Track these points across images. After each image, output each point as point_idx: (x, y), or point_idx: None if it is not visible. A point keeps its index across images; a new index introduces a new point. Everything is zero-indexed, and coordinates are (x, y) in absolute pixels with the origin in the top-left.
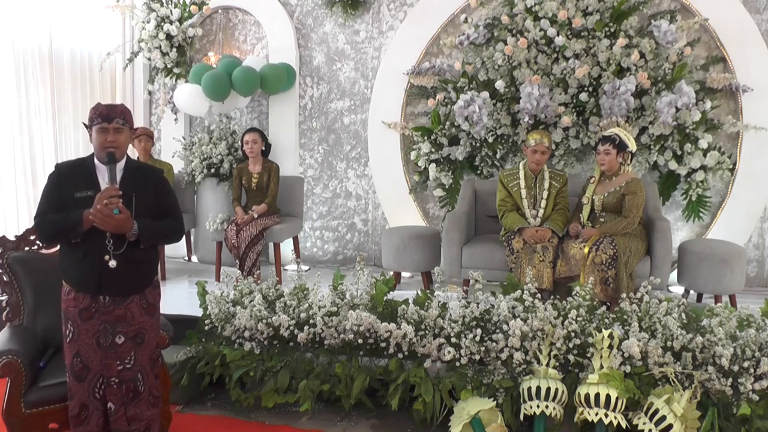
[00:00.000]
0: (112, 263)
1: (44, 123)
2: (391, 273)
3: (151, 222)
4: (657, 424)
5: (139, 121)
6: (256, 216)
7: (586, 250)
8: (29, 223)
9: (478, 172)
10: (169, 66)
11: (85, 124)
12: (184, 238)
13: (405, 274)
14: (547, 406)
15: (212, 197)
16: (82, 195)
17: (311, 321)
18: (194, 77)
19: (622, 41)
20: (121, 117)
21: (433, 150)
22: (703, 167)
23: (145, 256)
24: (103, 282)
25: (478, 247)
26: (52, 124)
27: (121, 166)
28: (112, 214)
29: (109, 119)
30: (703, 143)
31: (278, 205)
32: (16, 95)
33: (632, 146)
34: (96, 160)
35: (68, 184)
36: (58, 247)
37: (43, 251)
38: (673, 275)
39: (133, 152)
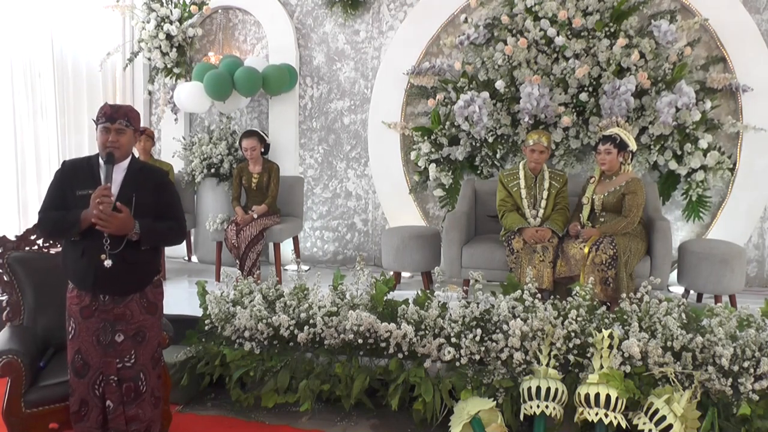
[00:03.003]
0: (108, 262)
1: (48, 123)
2: (391, 273)
3: (152, 223)
4: (657, 424)
5: None
6: (255, 216)
7: (586, 250)
8: (33, 222)
9: (478, 172)
10: (169, 66)
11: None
12: None
13: (405, 274)
14: (547, 406)
15: (212, 197)
16: (83, 193)
17: (311, 321)
18: (197, 76)
19: (622, 41)
20: (124, 118)
21: (433, 150)
22: (703, 167)
23: (142, 257)
24: (98, 280)
25: (478, 247)
26: (55, 125)
27: (124, 166)
28: (113, 215)
29: (112, 120)
30: (703, 143)
31: (278, 205)
32: (24, 97)
33: (632, 146)
34: (100, 159)
35: (71, 181)
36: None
37: (44, 251)
38: (673, 275)
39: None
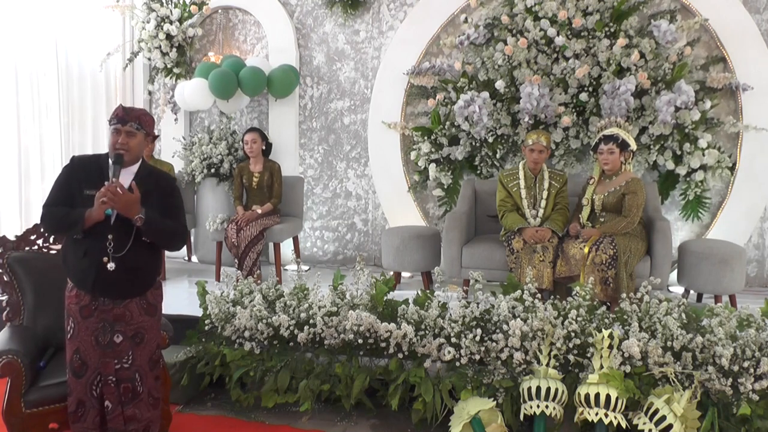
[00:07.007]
0: (110, 266)
1: (51, 123)
2: (391, 273)
3: (156, 215)
4: (657, 424)
5: None
6: (260, 212)
7: (586, 249)
8: (35, 222)
9: (478, 172)
10: (169, 66)
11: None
12: None
13: (405, 274)
14: (547, 406)
15: (212, 197)
16: (91, 193)
17: (311, 321)
18: (201, 74)
19: (622, 41)
20: (135, 121)
21: (433, 150)
22: (703, 167)
23: (144, 263)
24: (98, 282)
25: (478, 247)
26: (58, 125)
27: (133, 169)
28: (123, 190)
29: (123, 122)
30: (703, 143)
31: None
32: (27, 97)
33: (633, 145)
34: (109, 160)
35: (79, 179)
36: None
37: (44, 251)
38: (673, 275)
39: None
